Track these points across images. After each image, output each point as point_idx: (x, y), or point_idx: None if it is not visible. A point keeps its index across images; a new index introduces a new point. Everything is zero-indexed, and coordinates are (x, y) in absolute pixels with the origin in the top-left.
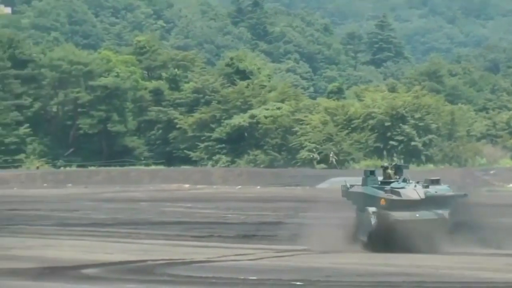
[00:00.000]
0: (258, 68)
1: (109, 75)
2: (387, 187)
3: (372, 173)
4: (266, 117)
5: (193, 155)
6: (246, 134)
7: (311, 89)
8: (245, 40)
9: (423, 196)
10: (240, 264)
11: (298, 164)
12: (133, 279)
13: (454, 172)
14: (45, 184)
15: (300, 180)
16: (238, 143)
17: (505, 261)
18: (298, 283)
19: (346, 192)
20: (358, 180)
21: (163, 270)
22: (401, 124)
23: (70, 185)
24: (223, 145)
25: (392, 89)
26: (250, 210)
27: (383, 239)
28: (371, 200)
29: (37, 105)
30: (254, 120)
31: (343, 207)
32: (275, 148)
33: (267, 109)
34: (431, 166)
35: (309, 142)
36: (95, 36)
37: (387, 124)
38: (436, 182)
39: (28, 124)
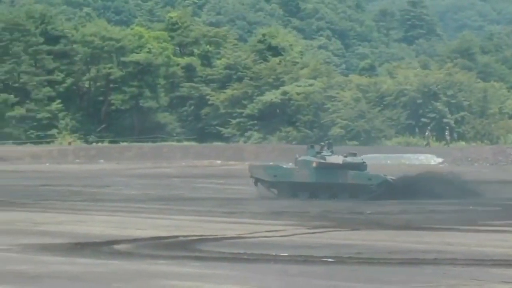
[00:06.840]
0: (290, 45)
1: (141, 51)
2: (319, 155)
3: (312, 146)
4: (298, 94)
5: (225, 131)
6: (278, 111)
7: (343, 66)
8: (277, 16)
9: (341, 162)
10: (271, 241)
11: (330, 140)
12: (165, 255)
13: (485, 150)
14: (77, 160)
15: None
16: (270, 119)
17: None
18: (329, 259)
19: (296, 160)
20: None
21: (195, 246)
22: (433, 101)
23: (102, 161)
24: (255, 121)
25: (424, 66)
26: None
27: None
28: (309, 163)
29: (69, 80)
30: (286, 97)
31: None
32: (307, 124)
33: (299, 86)
34: (463, 143)
35: (341, 119)
36: (127, 12)
37: (419, 101)
38: (353, 154)
39: (60, 100)
